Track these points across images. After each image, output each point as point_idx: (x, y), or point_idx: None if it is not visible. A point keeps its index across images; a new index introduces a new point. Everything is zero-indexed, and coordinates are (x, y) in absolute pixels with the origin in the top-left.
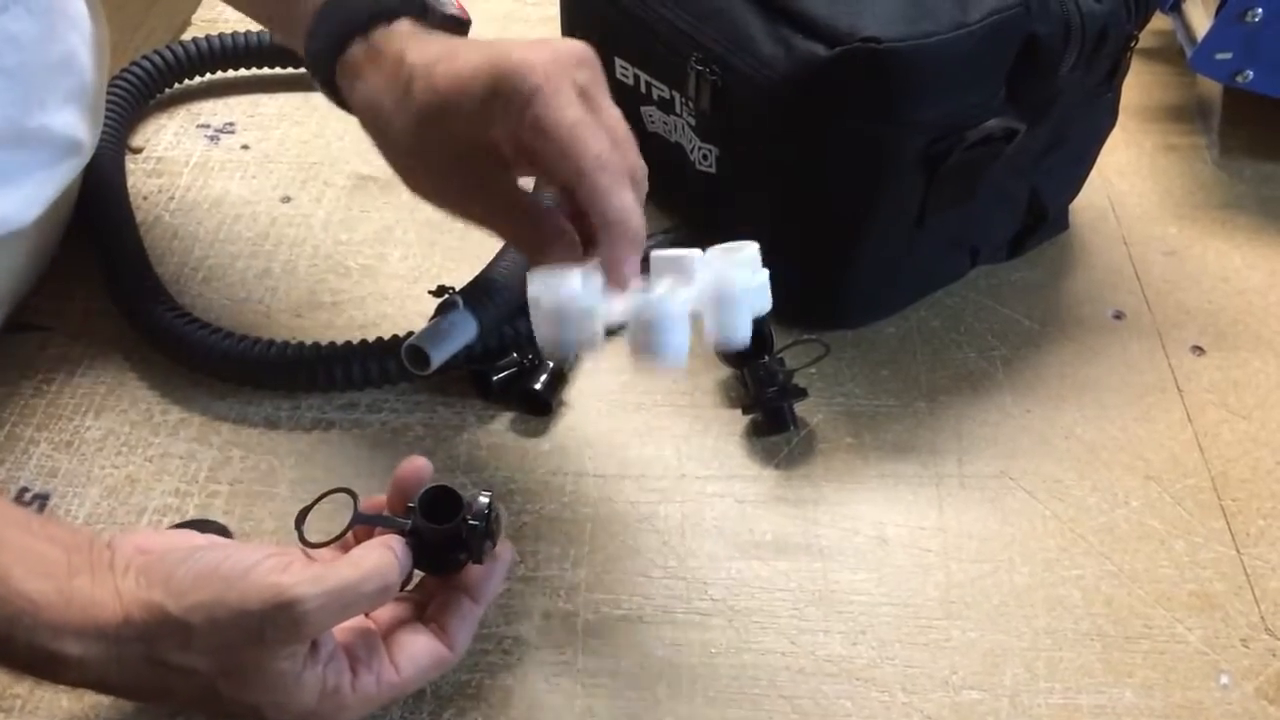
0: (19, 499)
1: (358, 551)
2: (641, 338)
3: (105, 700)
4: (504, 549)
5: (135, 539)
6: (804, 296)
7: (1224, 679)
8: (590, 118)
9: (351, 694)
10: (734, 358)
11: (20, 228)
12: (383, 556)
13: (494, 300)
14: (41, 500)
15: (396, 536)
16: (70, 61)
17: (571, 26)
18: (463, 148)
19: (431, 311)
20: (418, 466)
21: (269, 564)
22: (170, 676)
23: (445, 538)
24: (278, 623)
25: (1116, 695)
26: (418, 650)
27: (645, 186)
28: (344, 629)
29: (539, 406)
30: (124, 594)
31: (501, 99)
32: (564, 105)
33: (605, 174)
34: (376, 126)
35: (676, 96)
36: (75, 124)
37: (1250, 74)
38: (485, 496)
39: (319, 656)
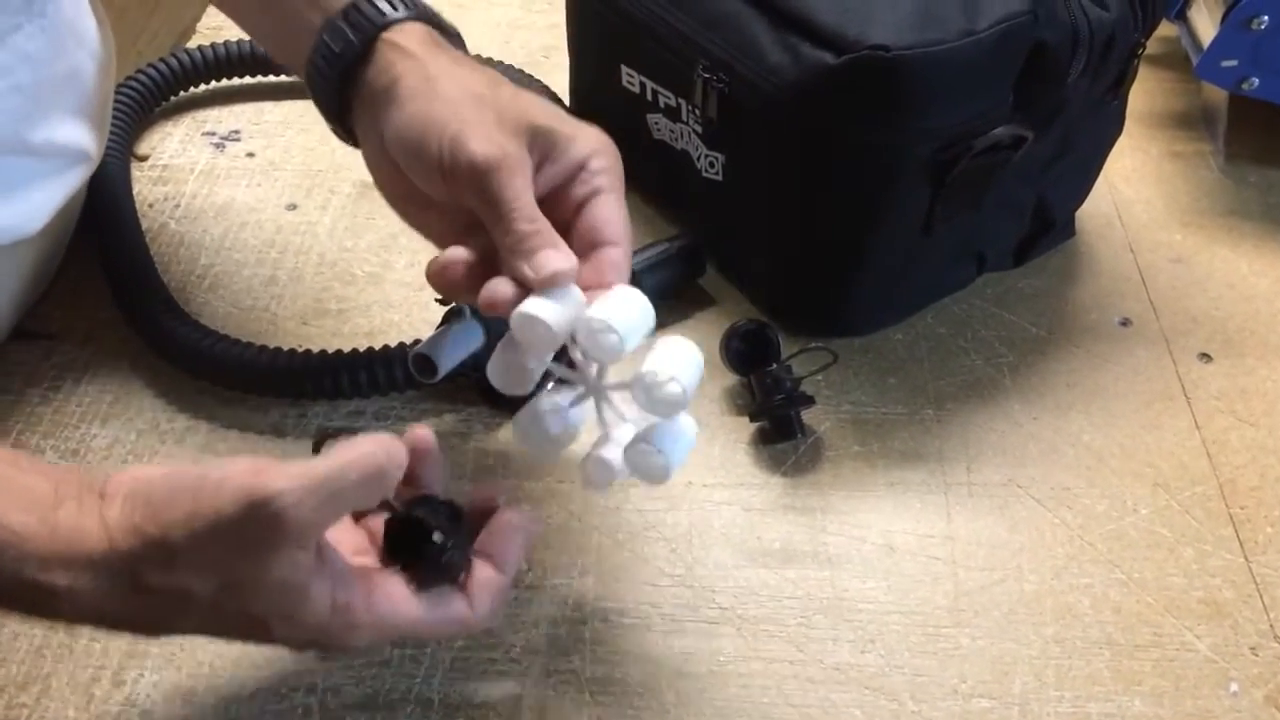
0: None
1: (340, 446)
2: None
3: (113, 707)
4: (525, 518)
5: (136, 470)
6: (811, 303)
7: (1233, 687)
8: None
9: (364, 613)
10: (741, 365)
11: (27, 236)
12: (368, 446)
13: None
14: None
15: (389, 435)
16: (77, 75)
17: (578, 34)
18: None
19: (438, 319)
20: (419, 438)
21: (241, 468)
22: (164, 604)
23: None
24: (258, 521)
25: (1126, 703)
26: (439, 599)
27: None
28: (359, 555)
29: None
30: (109, 522)
31: (562, 168)
32: (621, 202)
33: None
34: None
35: (683, 104)
36: (82, 135)
37: (1256, 81)
38: (438, 536)
39: (326, 571)
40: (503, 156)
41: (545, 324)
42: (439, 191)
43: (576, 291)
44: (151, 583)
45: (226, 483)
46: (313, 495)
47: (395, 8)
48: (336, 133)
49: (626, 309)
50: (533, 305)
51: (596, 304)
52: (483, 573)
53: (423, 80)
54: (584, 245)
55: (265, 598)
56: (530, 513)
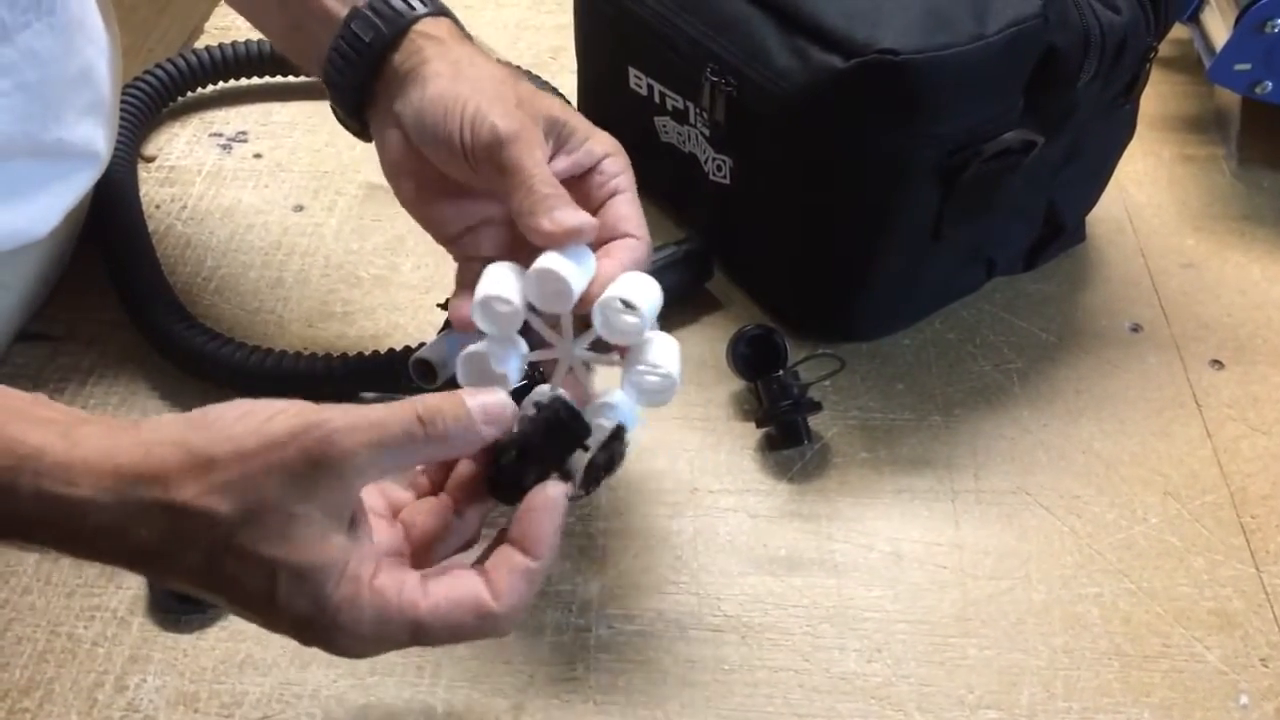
0: None
1: (402, 401)
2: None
3: (116, 712)
4: (561, 491)
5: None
6: (819, 308)
7: (1243, 699)
8: None
9: (368, 593)
10: (748, 370)
11: (36, 239)
12: (441, 401)
13: None
14: None
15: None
16: (88, 75)
17: (585, 35)
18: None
19: (442, 323)
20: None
21: (297, 407)
22: (186, 525)
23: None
24: (305, 447)
25: (1135, 715)
26: (456, 584)
27: None
28: (389, 554)
29: None
30: (144, 441)
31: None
32: (638, 202)
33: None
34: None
35: (691, 107)
36: (93, 136)
37: (1269, 85)
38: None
39: (350, 537)
40: (521, 129)
41: (563, 280)
42: (455, 168)
43: (591, 256)
44: (182, 501)
45: (279, 414)
46: (363, 433)
47: (424, 3)
48: (346, 125)
49: (646, 291)
50: (550, 260)
51: (616, 284)
52: (508, 558)
53: (449, 64)
54: (606, 239)
55: (284, 537)
56: (564, 487)
